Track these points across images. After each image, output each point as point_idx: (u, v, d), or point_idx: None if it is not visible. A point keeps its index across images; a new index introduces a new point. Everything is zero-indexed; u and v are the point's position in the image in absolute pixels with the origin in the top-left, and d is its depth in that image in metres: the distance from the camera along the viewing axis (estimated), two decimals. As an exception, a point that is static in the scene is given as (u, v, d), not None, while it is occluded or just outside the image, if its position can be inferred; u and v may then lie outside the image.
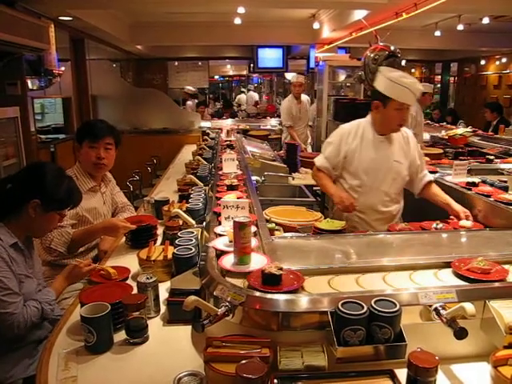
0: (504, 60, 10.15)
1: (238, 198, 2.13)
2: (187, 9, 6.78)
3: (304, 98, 6.42)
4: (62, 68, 5.69)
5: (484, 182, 2.85)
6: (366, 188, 2.57)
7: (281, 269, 1.37)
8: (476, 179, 2.81)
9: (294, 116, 6.22)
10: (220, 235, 1.79)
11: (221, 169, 3.17)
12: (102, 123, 2.67)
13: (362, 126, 2.60)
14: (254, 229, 1.82)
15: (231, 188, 2.59)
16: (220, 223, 1.91)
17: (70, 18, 5.48)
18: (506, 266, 1.56)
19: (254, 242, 1.64)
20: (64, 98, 6.23)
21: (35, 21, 4.54)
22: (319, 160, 2.68)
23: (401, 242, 1.94)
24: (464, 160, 4.00)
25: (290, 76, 6.71)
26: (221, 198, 2.16)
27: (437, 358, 1.09)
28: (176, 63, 11.06)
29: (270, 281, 1.35)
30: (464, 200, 2.56)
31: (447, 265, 1.57)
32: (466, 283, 1.45)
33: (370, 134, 2.57)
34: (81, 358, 1.36)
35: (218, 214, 1.98)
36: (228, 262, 1.54)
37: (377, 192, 2.56)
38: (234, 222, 1.52)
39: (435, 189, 2.62)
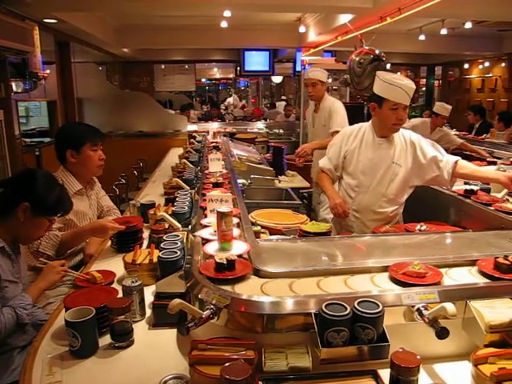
0: (487, 64, 10.31)
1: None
2: (174, 12, 6.77)
3: (328, 103, 4.17)
4: (47, 71, 5.63)
5: (466, 183, 2.88)
6: (363, 188, 2.61)
7: (231, 260, 1.48)
8: (474, 187, 2.77)
9: (308, 128, 4.61)
10: (206, 226, 1.94)
11: (207, 168, 3.23)
12: (89, 126, 2.69)
13: (363, 128, 2.67)
14: (236, 220, 1.95)
15: (216, 185, 2.68)
16: (206, 216, 2.07)
17: (55, 21, 5.45)
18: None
19: (236, 231, 1.79)
20: (49, 101, 6.17)
21: (19, 23, 4.50)
22: (323, 161, 2.78)
23: (385, 243, 1.95)
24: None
25: (276, 79, 6.66)
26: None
27: (418, 357, 1.11)
28: (163, 66, 11.04)
29: (220, 269, 1.46)
30: (462, 209, 2.57)
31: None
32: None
33: (370, 136, 2.61)
34: (65, 362, 1.35)
35: (205, 209, 2.13)
36: (212, 248, 1.67)
37: (373, 193, 2.58)
38: (217, 211, 1.66)
39: (467, 164, 2.55)
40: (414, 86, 2.46)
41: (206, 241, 1.78)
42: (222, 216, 1.63)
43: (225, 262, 1.47)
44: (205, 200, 2.13)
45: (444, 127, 5.62)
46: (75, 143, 2.51)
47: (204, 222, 2.00)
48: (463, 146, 5.35)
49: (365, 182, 2.60)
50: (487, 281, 1.46)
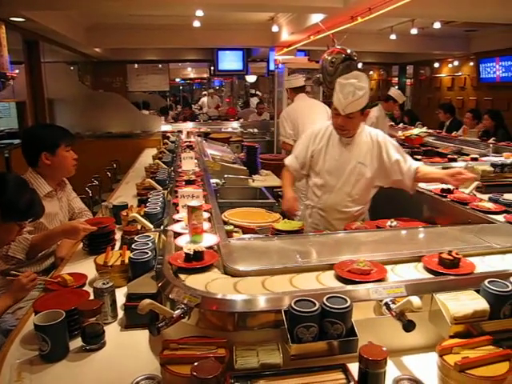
0: (456, 63, 10.55)
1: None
2: (147, 11, 6.71)
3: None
4: (16, 71, 5.52)
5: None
6: (328, 187, 2.64)
7: (199, 251, 1.55)
8: (464, 190, 2.73)
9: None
10: (178, 221, 2.01)
11: (180, 167, 3.27)
12: (59, 127, 2.66)
13: (330, 127, 2.67)
14: (206, 214, 2.03)
15: (189, 182, 2.74)
16: (178, 212, 2.14)
17: (23, 19, 5.32)
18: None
19: (206, 225, 1.88)
20: (18, 102, 6.05)
21: (-16, 21, 4.40)
22: (289, 160, 2.81)
23: (356, 240, 1.99)
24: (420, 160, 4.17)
25: (250, 78, 6.67)
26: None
27: (384, 349, 1.14)
28: (136, 66, 10.92)
29: (188, 259, 1.54)
30: (439, 208, 2.59)
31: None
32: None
33: (337, 136, 2.63)
34: (35, 367, 1.33)
35: (177, 205, 2.19)
36: (183, 240, 1.75)
37: (339, 192, 2.61)
38: (188, 206, 1.75)
39: (423, 169, 2.60)
40: (350, 100, 2.42)
41: (178, 234, 1.85)
42: (192, 210, 1.72)
43: (191, 253, 1.53)
44: (177, 197, 2.18)
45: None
46: (50, 145, 2.46)
47: (176, 217, 2.07)
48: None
49: (330, 182, 2.62)
50: (431, 276, 1.48)
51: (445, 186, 2.70)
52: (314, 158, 2.68)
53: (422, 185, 2.83)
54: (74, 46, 8.04)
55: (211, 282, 1.43)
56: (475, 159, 4.07)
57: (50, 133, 2.57)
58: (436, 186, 2.78)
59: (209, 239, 1.76)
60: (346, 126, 2.53)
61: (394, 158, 2.55)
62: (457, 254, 1.53)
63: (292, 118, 4.41)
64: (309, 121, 4.13)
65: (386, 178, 2.60)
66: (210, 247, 1.70)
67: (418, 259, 1.61)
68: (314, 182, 2.71)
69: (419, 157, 4.38)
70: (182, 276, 1.46)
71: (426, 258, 1.58)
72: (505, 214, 2.21)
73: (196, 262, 1.53)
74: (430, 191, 2.77)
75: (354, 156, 2.59)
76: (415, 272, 1.53)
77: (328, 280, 1.46)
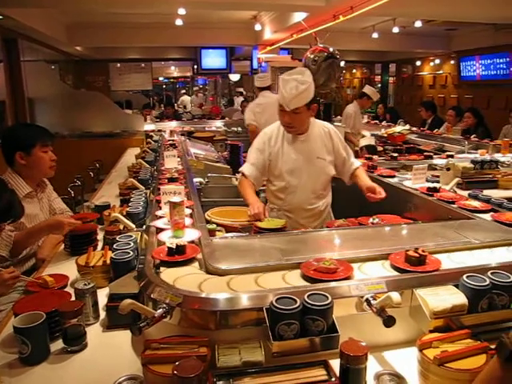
0: (437, 61, 10.69)
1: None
2: (130, 10, 6.66)
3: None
4: (-5, 70, 5.44)
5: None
6: (291, 188, 2.61)
7: (181, 245, 1.61)
8: (437, 184, 2.76)
9: None
10: (160, 217, 2.05)
11: (163, 165, 3.27)
12: (38, 126, 2.62)
13: (282, 127, 2.63)
14: (188, 211, 2.07)
15: (172, 180, 2.77)
16: (161, 208, 2.17)
17: (0, 17, 5.24)
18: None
19: (188, 220, 1.94)
20: (-3, 102, 5.96)
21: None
22: (246, 168, 2.64)
23: (338, 237, 2.00)
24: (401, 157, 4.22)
25: (234, 77, 6.66)
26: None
27: (364, 344, 1.15)
28: (118, 65, 10.84)
29: (171, 253, 1.59)
30: (425, 207, 2.59)
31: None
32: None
33: (291, 135, 2.61)
34: (15, 370, 1.31)
35: (160, 202, 2.21)
36: (165, 235, 1.80)
37: (303, 191, 2.61)
38: (169, 201, 1.81)
39: (358, 172, 2.69)
40: (294, 94, 2.40)
41: (160, 230, 1.89)
42: (174, 205, 1.78)
43: (174, 247, 1.59)
44: (160, 194, 2.21)
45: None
46: (25, 145, 2.44)
47: (158, 213, 2.11)
48: (347, 135, 5.57)
49: (293, 182, 2.60)
50: (397, 274, 1.49)
51: (431, 185, 2.73)
52: (272, 161, 2.62)
53: (407, 183, 2.90)
54: (54, 44, 7.93)
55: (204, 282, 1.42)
56: (451, 156, 4.13)
57: (26, 132, 2.54)
58: (422, 185, 2.83)
59: (190, 234, 1.82)
60: (292, 122, 2.52)
61: (342, 154, 2.69)
62: (423, 251, 1.54)
63: (255, 111, 5.33)
64: (270, 113, 4.81)
65: (335, 168, 2.71)
66: (192, 241, 1.74)
67: (386, 257, 1.61)
68: (277, 185, 2.65)
69: (395, 154, 4.35)
70: (167, 278, 1.45)
71: (393, 255, 1.58)
72: (491, 213, 2.20)
73: (178, 255, 1.58)
74: (416, 190, 2.80)
75: (311, 152, 2.59)
76: (382, 270, 1.53)
77: (294, 279, 1.45)
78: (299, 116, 2.50)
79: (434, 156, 4.30)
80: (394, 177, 3.24)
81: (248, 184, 2.59)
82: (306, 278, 1.46)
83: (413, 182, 2.93)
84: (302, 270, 1.48)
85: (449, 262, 1.60)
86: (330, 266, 1.46)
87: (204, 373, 1.10)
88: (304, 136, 2.61)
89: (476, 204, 2.35)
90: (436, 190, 2.68)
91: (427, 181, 2.99)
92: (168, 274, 1.48)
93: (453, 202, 2.44)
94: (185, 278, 1.45)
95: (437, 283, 1.43)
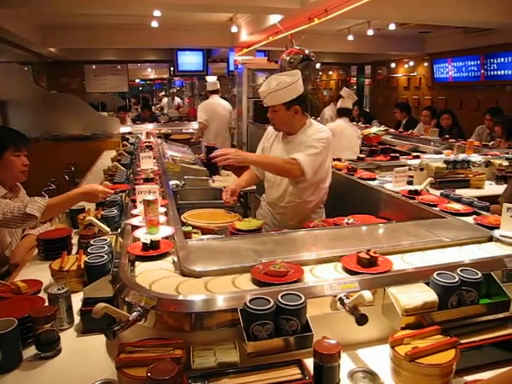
0: (411, 63, 10.89)
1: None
2: (105, 10, 6.59)
3: None
4: (-35, 72, 5.30)
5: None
6: (269, 183, 2.80)
7: (155, 240, 1.69)
8: (418, 187, 2.68)
9: None
10: (136, 215, 2.11)
11: (139, 166, 3.32)
12: (11, 129, 2.58)
13: None
14: (163, 209, 2.17)
15: (147, 180, 2.82)
16: (136, 207, 2.22)
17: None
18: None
19: (162, 218, 2.01)
20: (-33, 104, 5.81)
21: None
22: None
23: (313, 237, 2.01)
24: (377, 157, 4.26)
25: (210, 79, 6.62)
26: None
27: (334, 342, 1.17)
28: (94, 67, 10.72)
29: (146, 248, 1.66)
30: (407, 210, 2.55)
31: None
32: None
33: (282, 134, 2.76)
34: (-15, 378, 1.30)
35: (135, 201, 2.25)
36: (140, 232, 1.88)
37: (278, 188, 2.73)
38: (143, 199, 1.88)
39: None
40: (267, 88, 2.52)
41: (135, 228, 1.96)
42: (148, 203, 1.84)
43: (148, 242, 1.66)
44: (135, 194, 2.26)
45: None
46: None
47: (134, 212, 2.17)
48: None
49: (271, 178, 2.76)
50: (347, 275, 1.49)
51: (412, 188, 2.66)
52: (264, 154, 2.82)
53: (389, 186, 2.84)
54: (26, 45, 7.79)
55: (181, 285, 1.42)
56: (417, 157, 4.11)
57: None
58: (403, 188, 2.74)
59: (164, 230, 1.89)
60: (273, 119, 2.64)
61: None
62: (374, 252, 1.55)
63: (206, 110, 6.32)
64: (215, 113, 6.26)
65: None
66: (166, 237, 1.82)
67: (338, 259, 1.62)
68: (265, 177, 2.84)
69: (362, 155, 4.34)
70: (142, 281, 1.44)
71: (345, 257, 1.59)
72: (474, 216, 2.18)
73: (153, 250, 1.66)
74: (397, 193, 2.71)
75: (289, 153, 2.61)
76: (334, 272, 1.54)
77: (244, 283, 1.45)
78: (278, 114, 2.59)
79: (401, 157, 4.25)
80: (374, 179, 3.14)
81: (247, 172, 2.90)
82: (255, 281, 1.44)
83: (394, 184, 2.86)
84: (251, 274, 1.46)
85: (402, 263, 1.62)
86: (280, 270, 1.45)
87: (179, 375, 1.10)
88: (292, 137, 2.68)
89: (458, 207, 2.31)
90: (417, 192, 2.62)
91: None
92: (143, 278, 1.47)
93: (435, 206, 2.39)
94: (161, 282, 1.44)
95: (407, 281, 1.46)
